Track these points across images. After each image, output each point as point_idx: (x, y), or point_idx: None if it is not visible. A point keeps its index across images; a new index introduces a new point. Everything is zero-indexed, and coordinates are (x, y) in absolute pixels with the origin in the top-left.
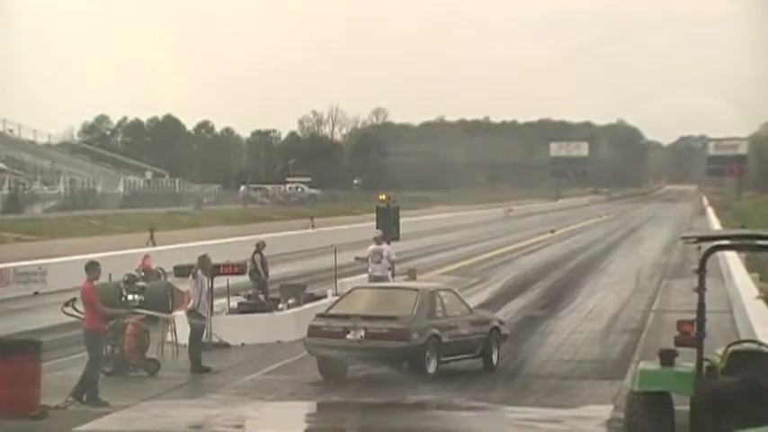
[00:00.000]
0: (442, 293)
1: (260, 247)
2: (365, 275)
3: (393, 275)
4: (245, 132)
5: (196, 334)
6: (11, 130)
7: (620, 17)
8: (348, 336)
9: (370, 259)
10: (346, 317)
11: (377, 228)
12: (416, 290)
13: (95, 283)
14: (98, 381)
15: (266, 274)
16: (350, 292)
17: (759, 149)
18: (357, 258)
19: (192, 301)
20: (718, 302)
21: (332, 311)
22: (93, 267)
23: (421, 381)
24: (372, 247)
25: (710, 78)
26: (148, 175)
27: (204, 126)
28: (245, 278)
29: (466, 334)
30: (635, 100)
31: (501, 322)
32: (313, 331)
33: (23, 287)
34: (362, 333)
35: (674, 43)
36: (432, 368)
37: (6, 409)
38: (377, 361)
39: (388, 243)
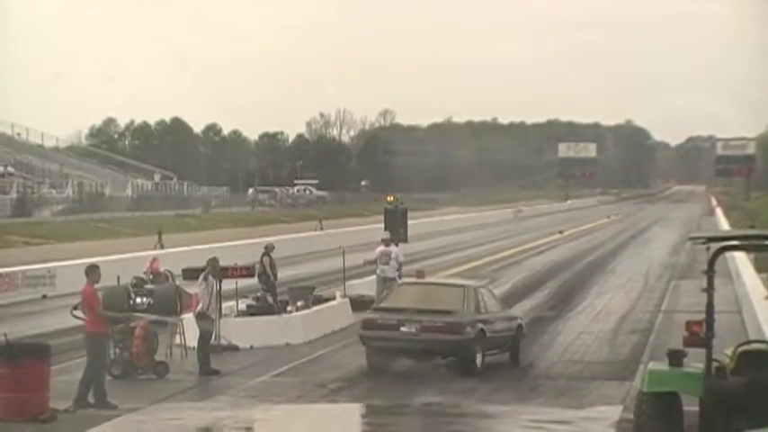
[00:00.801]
0: (482, 290)
1: (268, 249)
2: (373, 277)
3: (400, 277)
4: (252, 135)
5: (205, 336)
6: (18, 134)
7: (628, 17)
8: (402, 328)
9: (378, 261)
10: (400, 310)
11: (385, 229)
12: (463, 286)
13: (97, 285)
14: (104, 383)
15: (275, 276)
16: (397, 287)
17: (767, 149)
18: (366, 261)
19: (200, 304)
20: (727, 303)
21: (383, 305)
22: (93, 270)
23: (442, 379)
24: (380, 248)
25: (718, 79)
26: (157, 177)
27: (212, 129)
28: (253, 281)
29: (500, 330)
30: (643, 100)
31: (521, 319)
32: (367, 323)
33: (32, 291)
34: (417, 326)
35: (681, 43)
36: (479, 362)
37: (16, 413)
38: (429, 353)
39: (396, 245)
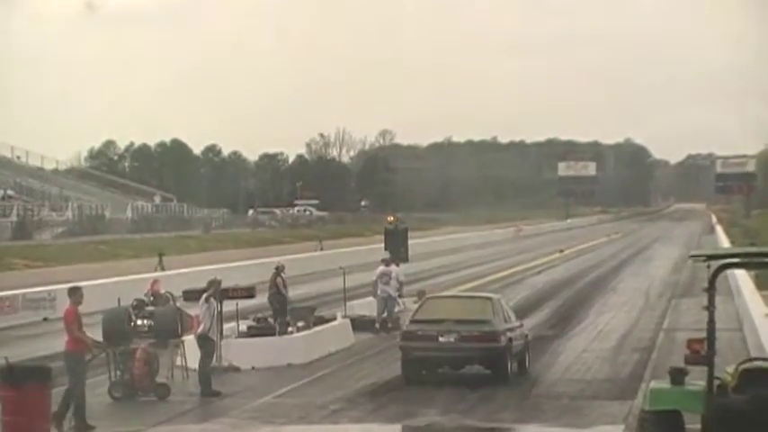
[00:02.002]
0: (502, 303)
1: (280, 269)
2: (371, 298)
3: (401, 296)
4: (252, 156)
5: (206, 358)
6: (18, 157)
7: (627, 35)
8: (441, 339)
9: (378, 281)
10: (439, 321)
11: (385, 249)
12: (489, 298)
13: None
14: (84, 404)
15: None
16: (424, 302)
17: (767, 167)
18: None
19: (202, 325)
20: (728, 320)
21: (419, 317)
22: (74, 292)
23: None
24: (381, 268)
25: (718, 96)
26: (157, 199)
27: (211, 150)
28: (253, 302)
29: (518, 339)
30: (642, 118)
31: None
32: (407, 335)
33: (33, 313)
34: (455, 336)
35: (681, 61)
36: (510, 370)
37: None
38: (467, 362)
39: (397, 264)
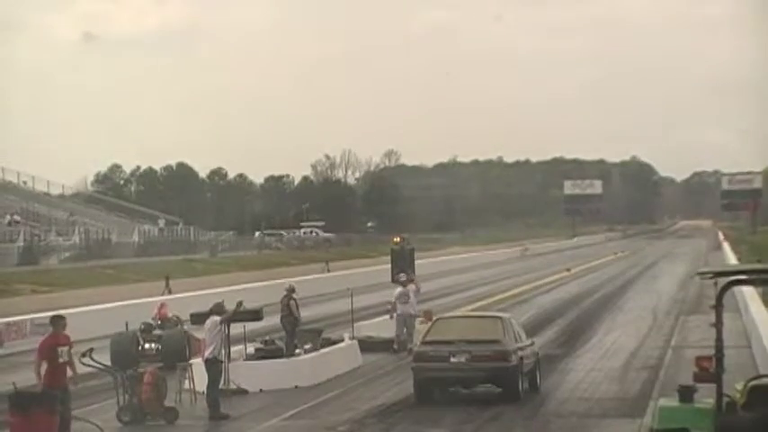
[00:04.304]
0: (513, 322)
1: (291, 291)
2: (380, 319)
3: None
4: (258, 178)
5: (214, 381)
6: (24, 182)
7: (632, 53)
8: (452, 359)
9: (397, 301)
10: (450, 342)
11: (392, 270)
12: (499, 318)
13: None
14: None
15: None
16: (435, 322)
17: None
18: (390, 307)
19: (210, 348)
20: (737, 337)
21: (430, 338)
22: (56, 321)
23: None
24: (399, 289)
25: (723, 114)
26: (161, 222)
27: (217, 173)
28: (261, 324)
29: (529, 357)
30: (648, 136)
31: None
32: (419, 356)
33: (40, 339)
34: (467, 356)
35: (686, 78)
36: (522, 389)
37: None
38: (478, 381)
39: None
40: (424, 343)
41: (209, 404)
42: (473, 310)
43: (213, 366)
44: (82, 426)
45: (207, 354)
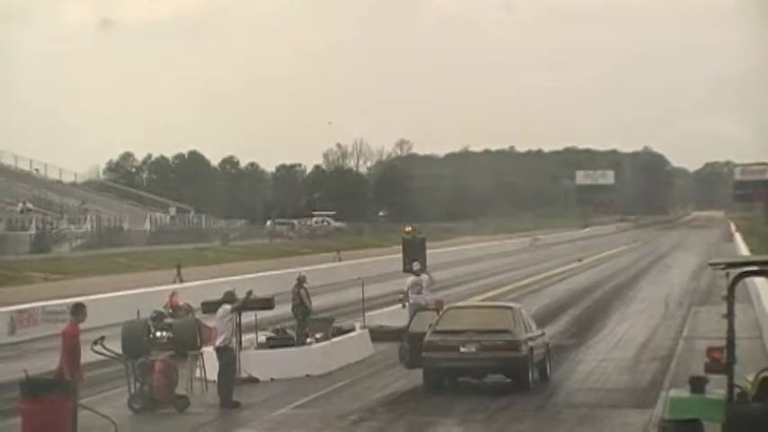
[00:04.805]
0: (523, 312)
1: (302, 280)
2: (391, 308)
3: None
4: (269, 167)
5: (227, 369)
6: (37, 170)
7: (644, 44)
8: (462, 349)
9: (410, 291)
10: (460, 332)
11: (404, 259)
12: (509, 308)
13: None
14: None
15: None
16: (445, 311)
17: None
18: (402, 296)
19: (221, 337)
20: (748, 328)
21: (441, 328)
22: (78, 310)
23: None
24: (412, 278)
25: (736, 104)
26: (172, 211)
27: (229, 161)
28: (272, 313)
29: (539, 347)
30: (660, 127)
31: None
32: (429, 346)
33: (52, 326)
34: (476, 346)
35: (698, 69)
36: (531, 379)
37: None
38: (488, 371)
39: (426, 273)
40: (434, 333)
41: (220, 392)
42: (484, 300)
43: (225, 354)
44: (90, 415)
45: (218, 342)
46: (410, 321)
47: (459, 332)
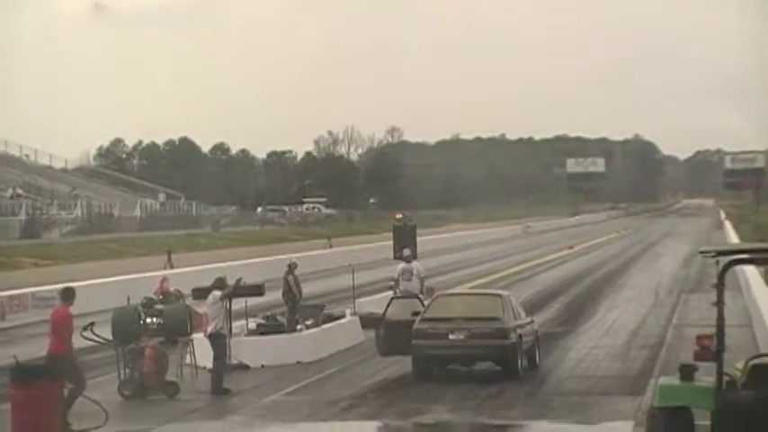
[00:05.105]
0: (512, 299)
1: (292, 267)
2: (382, 295)
3: (422, 292)
4: (260, 153)
5: (220, 355)
6: (27, 156)
7: (634, 33)
8: (451, 336)
9: (400, 278)
10: (449, 319)
11: (394, 246)
12: (499, 295)
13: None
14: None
15: (300, 294)
16: (434, 299)
17: None
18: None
19: (213, 323)
20: (738, 316)
21: (429, 315)
22: (68, 294)
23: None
24: (402, 265)
25: (727, 92)
26: (161, 197)
27: (220, 148)
28: (263, 299)
29: (528, 335)
30: (651, 115)
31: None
32: (418, 333)
33: (42, 312)
34: (465, 333)
35: (689, 57)
36: (521, 367)
37: None
38: (477, 359)
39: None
40: (423, 320)
41: (213, 378)
42: (474, 288)
43: (218, 341)
44: (80, 401)
45: (210, 329)
46: (386, 309)
47: (448, 320)
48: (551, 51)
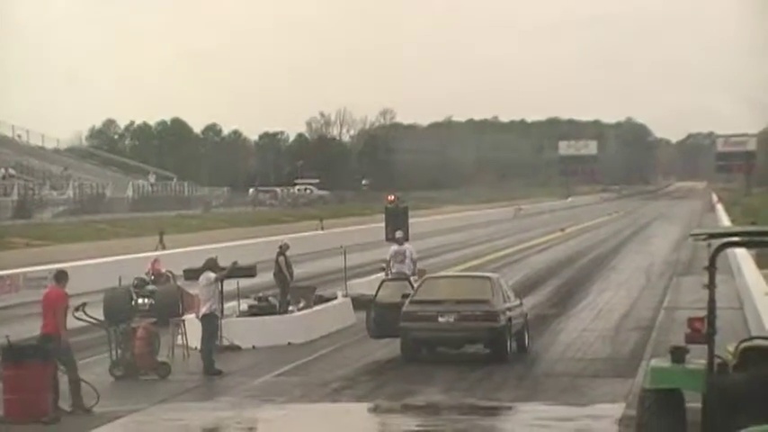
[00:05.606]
0: (501, 282)
1: (283, 249)
2: (374, 277)
3: (414, 274)
4: (252, 135)
5: (210, 337)
6: (19, 136)
7: (627, 16)
8: (440, 319)
9: (392, 260)
10: (438, 302)
11: (386, 228)
12: (488, 278)
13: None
14: (79, 384)
15: (291, 275)
16: (423, 281)
17: None
18: (385, 266)
19: (207, 305)
20: (729, 299)
21: (419, 298)
22: (62, 276)
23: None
24: (394, 248)
25: (719, 76)
26: (152, 178)
27: (212, 129)
28: (255, 281)
29: (517, 318)
30: (643, 98)
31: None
32: (407, 316)
33: (33, 293)
34: (455, 316)
35: (682, 41)
36: (510, 349)
37: (19, 414)
38: (466, 341)
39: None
40: (412, 302)
41: (204, 359)
42: (464, 270)
43: (210, 322)
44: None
45: (204, 309)
46: (377, 291)
47: (438, 302)
48: (544, 34)
